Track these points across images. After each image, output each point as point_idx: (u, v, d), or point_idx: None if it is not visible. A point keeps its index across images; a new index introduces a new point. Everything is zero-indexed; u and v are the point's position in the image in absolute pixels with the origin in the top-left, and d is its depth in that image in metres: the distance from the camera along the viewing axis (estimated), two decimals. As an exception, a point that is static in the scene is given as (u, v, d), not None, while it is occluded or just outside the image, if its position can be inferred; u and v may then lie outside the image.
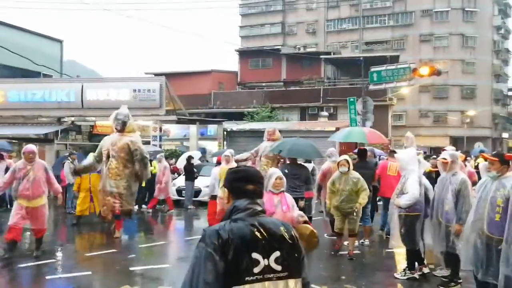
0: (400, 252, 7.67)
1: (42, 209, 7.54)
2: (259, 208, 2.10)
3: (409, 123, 42.05)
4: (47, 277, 6.60)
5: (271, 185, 5.28)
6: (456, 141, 37.52)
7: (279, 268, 1.96)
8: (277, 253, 1.97)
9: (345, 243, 7.99)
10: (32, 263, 7.18)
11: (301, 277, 2.03)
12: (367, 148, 12.25)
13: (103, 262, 7.58)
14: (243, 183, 2.15)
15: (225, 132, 20.63)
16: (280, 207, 5.19)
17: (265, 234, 1.98)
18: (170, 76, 25.79)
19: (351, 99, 18.89)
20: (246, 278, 1.90)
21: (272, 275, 1.94)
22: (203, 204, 13.11)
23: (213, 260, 1.87)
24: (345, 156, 7.95)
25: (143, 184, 13.77)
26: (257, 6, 48.29)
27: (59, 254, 8.06)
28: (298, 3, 46.12)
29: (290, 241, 2.04)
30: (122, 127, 9.09)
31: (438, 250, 6.20)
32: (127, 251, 8.35)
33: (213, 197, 9.89)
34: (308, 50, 43.10)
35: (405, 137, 7.75)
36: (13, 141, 17.27)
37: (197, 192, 13.93)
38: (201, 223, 11.58)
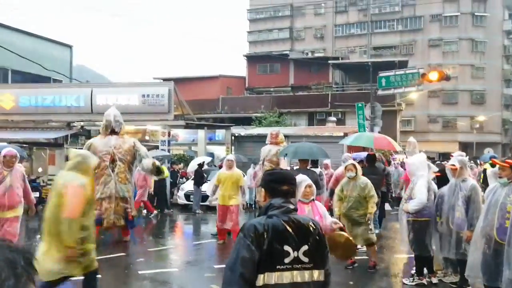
0: (409, 258, 7.64)
1: (14, 222, 6.54)
2: (292, 207, 2.38)
3: (418, 129, 41.83)
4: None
5: (300, 194, 4.82)
6: (465, 147, 37.25)
7: (306, 260, 2.25)
8: (305, 247, 2.26)
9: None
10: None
11: (325, 268, 2.32)
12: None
13: (112, 265, 7.61)
14: (278, 184, 2.44)
15: (233, 137, 20.66)
16: (312, 217, 4.81)
17: (296, 230, 2.27)
18: (178, 81, 25.92)
19: (359, 105, 18.84)
20: (278, 267, 2.19)
21: (299, 265, 2.24)
22: (211, 208, 13.13)
23: (250, 249, 2.17)
24: (352, 161, 7.75)
25: (152, 189, 13.91)
26: (265, 11, 48.42)
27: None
28: (306, 8, 46.18)
29: (317, 237, 2.33)
30: (120, 129, 8.95)
31: (448, 257, 6.16)
32: (136, 255, 8.39)
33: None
34: (316, 55, 43.10)
35: (408, 142, 7.71)
36: (24, 145, 17.43)
37: (205, 197, 13.97)
38: (209, 227, 11.59)
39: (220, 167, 11.16)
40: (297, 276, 2.23)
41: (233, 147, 20.40)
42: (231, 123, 24.35)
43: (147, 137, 17.92)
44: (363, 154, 10.63)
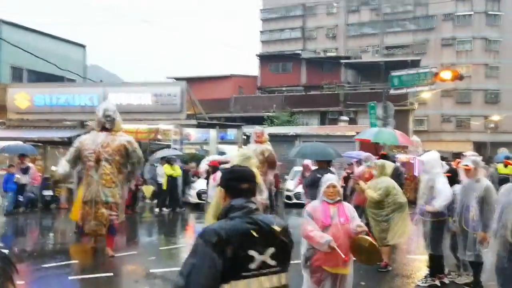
0: (421, 259, 7.59)
1: None
2: (254, 206, 2.19)
3: (431, 128, 41.48)
4: (70, 278, 6.74)
5: (322, 193, 4.61)
6: (479, 147, 36.83)
7: (273, 263, 2.08)
8: (271, 249, 2.08)
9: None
10: (56, 264, 7.34)
11: (287, 271, 2.17)
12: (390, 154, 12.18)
13: (124, 264, 7.69)
14: (238, 182, 2.26)
15: (244, 137, 20.67)
16: (337, 218, 4.46)
17: (261, 232, 2.08)
18: (190, 80, 26.03)
19: (372, 104, 18.77)
20: (243, 274, 2.00)
21: (267, 270, 2.06)
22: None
23: (211, 258, 1.96)
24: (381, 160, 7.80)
25: (164, 187, 14.00)
26: (278, 11, 48.39)
27: (82, 256, 8.21)
28: (318, 8, 46.04)
29: (283, 237, 2.14)
30: (112, 125, 7.87)
31: (461, 258, 6.10)
32: (147, 253, 8.45)
33: None
34: (328, 54, 42.94)
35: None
36: (38, 144, 17.66)
37: (217, 196, 14.00)
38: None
39: (213, 168, 10.71)
40: (265, 281, 2.06)
41: (244, 147, 20.42)
42: (242, 122, 24.39)
43: (159, 136, 18.03)
44: (363, 154, 10.52)
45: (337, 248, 4.22)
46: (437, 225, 6.14)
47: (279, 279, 2.11)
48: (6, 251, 0.76)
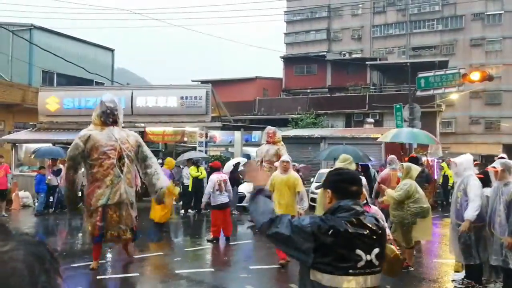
0: (448, 263, 7.47)
1: None
2: (361, 209, 2.28)
3: (459, 130, 40.64)
4: (97, 277, 6.89)
5: None
6: (510, 149, 35.89)
7: (377, 263, 2.18)
8: (377, 250, 2.18)
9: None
10: (84, 263, 7.51)
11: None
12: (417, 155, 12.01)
13: (151, 264, 7.82)
14: (348, 184, 2.34)
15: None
16: None
17: (368, 233, 2.18)
18: (216, 83, 26.25)
19: (398, 106, 18.52)
20: (350, 271, 2.12)
21: (371, 269, 2.16)
22: (247, 209, 13.23)
23: (305, 237, 2.12)
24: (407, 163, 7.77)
25: (190, 189, 14.15)
26: (302, 13, 48.29)
27: (109, 256, 8.38)
28: (344, 9, 45.74)
29: (384, 239, 2.29)
30: (120, 119, 7.23)
31: (493, 263, 5.95)
32: (173, 254, 8.57)
33: (214, 207, 9.65)
34: (354, 56, 42.60)
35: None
36: (67, 146, 18.09)
37: (242, 198, 14.08)
38: (245, 228, 11.69)
39: (213, 169, 10.56)
40: (369, 280, 2.16)
41: (257, 148, 20.46)
42: (267, 124, 24.41)
43: (185, 139, 18.23)
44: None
45: None
46: (475, 230, 6.00)
47: (377, 279, 2.21)
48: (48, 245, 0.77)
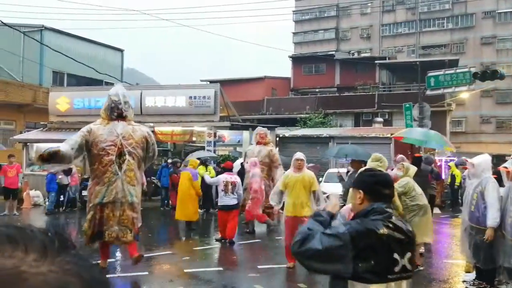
0: (458, 263, 7.41)
1: None
2: (393, 212, 2.23)
3: (469, 130, 40.30)
4: (106, 276, 6.93)
5: None
6: (521, 149, 35.51)
7: (410, 267, 2.14)
8: (409, 254, 2.14)
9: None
10: (94, 262, 7.56)
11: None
12: (425, 155, 11.95)
13: (159, 263, 7.85)
14: (382, 187, 2.29)
15: (277, 138, 20.71)
16: None
17: (402, 236, 2.12)
18: (224, 83, 26.27)
19: (407, 105, 18.43)
20: (389, 276, 2.06)
21: (406, 274, 2.12)
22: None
23: (343, 245, 2.02)
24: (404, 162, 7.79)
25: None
26: (311, 12, 48.19)
27: (118, 254, 8.43)
28: (352, 8, 45.56)
29: (415, 242, 2.25)
30: (130, 113, 6.82)
31: (503, 265, 5.87)
32: (182, 253, 8.60)
33: (219, 208, 9.60)
34: (363, 55, 42.43)
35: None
36: (77, 146, 18.23)
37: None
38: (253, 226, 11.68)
39: (225, 169, 10.48)
40: (404, 285, 2.11)
41: (277, 148, 20.46)
42: (275, 124, 24.42)
43: (194, 138, 18.29)
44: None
45: None
46: (483, 234, 5.84)
47: (410, 285, 2.16)
48: (106, 283, 0.64)
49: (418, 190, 7.19)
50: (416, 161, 9.33)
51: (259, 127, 12.68)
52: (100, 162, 6.43)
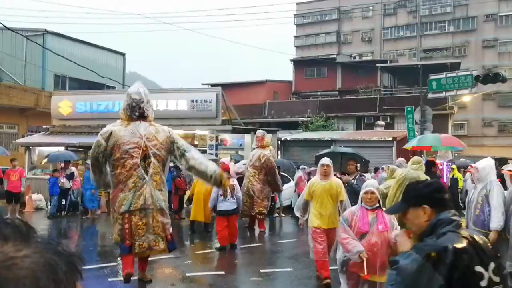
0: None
1: None
2: (460, 220, 2.00)
3: (471, 133, 40.24)
4: (109, 279, 6.94)
5: (361, 199, 4.55)
6: (523, 152, 35.44)
7: (497, 279, 1.85)
8: (492, 264, 1.86)
9: None
10: (96, 266, 7.57)
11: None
12: (426, 159, 11.94)
13: (161, 267, 7.85)
14: (442, 193, 2.07)
15: (279, 142, 20.71)
16: (375, 225, 4.40)
17: (479, 245, 1.88)
18: (226, 86, 26.31)
19: (409, 108, 18.43)
20: None
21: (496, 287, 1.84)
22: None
23: (432, 277, 1.77)
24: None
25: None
26: (312, 15, 48.27)
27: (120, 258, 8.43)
28: (354, 12, 45.63)
29: (494, 251, 1.98)
30: (152, 113, 6.36)
31: (508, 270, 5.80)
32: (184, 257, 8.59)
33: (218, 213, 9.26)
34: (364, 58, 42.45)
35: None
36: (79, 149, 18.28)
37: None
38: (253, 230, 11.68)
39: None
40: None
41: (279, 152, 20.47)
42: (277, 127, 24.44)
43: (196, 142, 18.30)
44: None
45: (364, 261, 4.22)
46: (498, 237, 5.69)
47: None
48: (76, 256, 0.73)
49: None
50: (429, 166, 9.39)
51: (258, 130, 12.70)
52: (123, 166, 5.95)
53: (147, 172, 5.97)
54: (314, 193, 6.41)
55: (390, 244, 4.34)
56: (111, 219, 6.18)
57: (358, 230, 4.40)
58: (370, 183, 4.78)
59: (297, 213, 6.85)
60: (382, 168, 9.54)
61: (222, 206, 9.17)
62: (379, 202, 4.56)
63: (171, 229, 6.32)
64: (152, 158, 6.00)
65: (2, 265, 0.63)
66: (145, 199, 5.91)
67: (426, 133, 17.75)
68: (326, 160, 6.59)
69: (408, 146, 12.62)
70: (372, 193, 4.50)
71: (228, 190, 9.16)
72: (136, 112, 6.12)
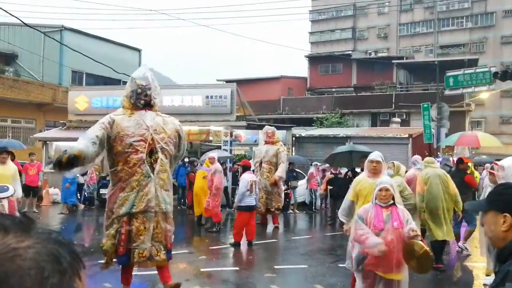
0: (479, 266, 7.30)
1: None
2: None
3: (489, 130, 39.52)
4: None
5: (376, 196, 4.50)
6: (542, 150, 34.80)
7: None
8: None
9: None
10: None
11: None
12: (444, 157, 11.81)
13: (175, 262, 7.88)
14: None
15: (293, 138, 20.66)
16: (390, 222, 4.35)
17: None
18: (240, 82, 26.31)
19: (425, 105, 18.20)
20: None
21: None
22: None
23: None
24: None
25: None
26: (328, 12, 47.97)
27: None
28: (370, 8, 45.21)
29: None
30: (159, 101, 5.54)
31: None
32: (198, 253, 8.63)
33: (241, 208, 9.18)
34: (380, 55, 42.10)
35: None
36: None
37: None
38: (267, 226, 11.68)
39: (246, 168, 10.01)
40: None
41: (293, 148, 20.42)
42: (292, 123, 24.37)
43: (210, 138, 18.35)
44: None
45: (385, 251, 4.22)
46: None
47: None
48: (76, 246, 0.72)
49: (409, 189, 7.53)
50: (460, 163, 9.36)
51: (266, 126, 12.62)
52: (126, 161, 5.04)
53: (153, 169, 5.09)
54: (360, 192, 5.55)
55: (404, 240, 4.32)
56: (104, 220, 5.28)
57: (374, 228, 4.37)
58: (384, 180, 4.73)
59: (342, 218, 5.93)
60: (413, 164, 9.38)
61: (247, 201, 9.13)
62: (393, 198, 4.52)
63: (173, 238, 5.54)
64: (159, 153, 5.13)
65: (5, 257, 0.63)
66: (149, 200, 5.04)
67: (442, 131, 17.58)
68: (376, 156, 5.70)
69: (448, 143, 12.57)
70: (387, 190, 4.44)
71: (254, 186, 9.18)
72: (142, 99, 5.22)
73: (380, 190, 4.46)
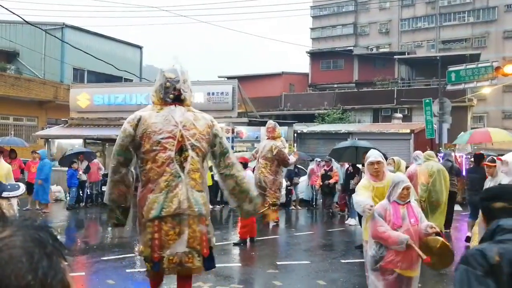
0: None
1: None
2: None
3: (491, 126, 39.43)
4: (127, 270, 7.02)
5: (397, 195, 4.46)
6: (545, 145, 34.72)
7: None
8: None
9: None
10: (114, 257, 7.67)
11: None
12: (446, 152, 11.81)
13: (179, 258, 7.91)
14: (491, 202, 1.99)
15: (295, 134, 20.66)
16: (407, 219, 4.40)
17: None
18: (242, 79, 26.31)
19: (427, 100, 18.18)
20: None
21: None
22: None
23: (485, 283, 1.64)
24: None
25: (210, 183, 14.21)
26: (329, 7, 47.85)
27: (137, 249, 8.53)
28: (371, 3, 45.08)
29: None
30: (190, 95, 4.95)
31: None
32: (201, 249, 8.64)
33: None
34: (381, 50, 42.01)
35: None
36: (97, 141, 18.50)
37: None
38: (267, 223, 11.70)
39: (244, 165, 9.37)
40: None
41: (295, 144, 20.43)
42: (293, 120, 24.36)
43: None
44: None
45: (415, 246, 4.23)
46: None
47: None
48: (57, 235, 0.73)
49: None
50: (476, 158, 9.37)
51: (269, 121, 12.54)
52: (154, 160, 4.63)
53: (183, 169, 4.62)
54: (374, 200, 5.00)
55: (420, 237, 4.36)
56: (137, 226, 4.91)
57: (392, 225, 4.37)
58: (403, 178, 4.72)
59: (364, 205, 5.11)
60: (414, 159, 9.35)
61: None
62: (410, 197, 4.58)
63: (214, 241, 4.95)
64: (190, 151, 4.66)
65: None
66: (179, 202, 4.54)
67: (444, 126, 17.54)
68: (375, 156, 5.24)
69: (460, 142, 12.62)
70: (408, 188, 4.46)
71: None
72: (171, 94, 4.78)
73: (403, 189, 4.45)
